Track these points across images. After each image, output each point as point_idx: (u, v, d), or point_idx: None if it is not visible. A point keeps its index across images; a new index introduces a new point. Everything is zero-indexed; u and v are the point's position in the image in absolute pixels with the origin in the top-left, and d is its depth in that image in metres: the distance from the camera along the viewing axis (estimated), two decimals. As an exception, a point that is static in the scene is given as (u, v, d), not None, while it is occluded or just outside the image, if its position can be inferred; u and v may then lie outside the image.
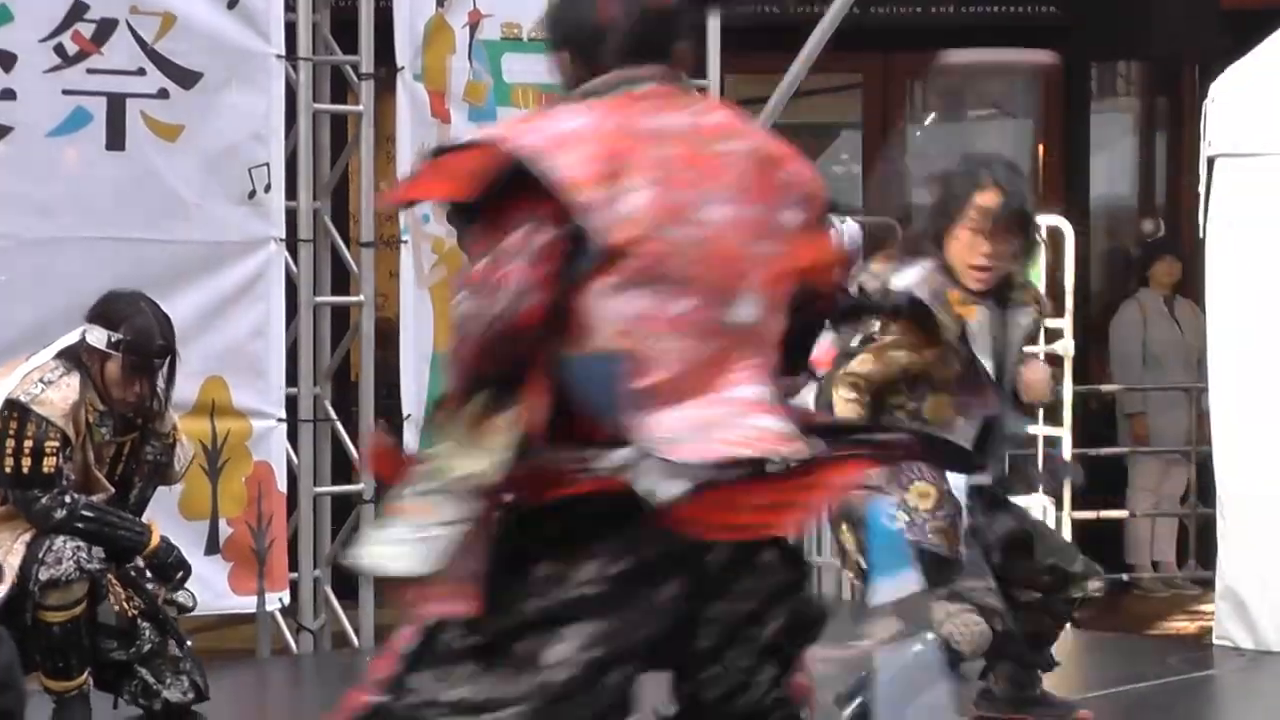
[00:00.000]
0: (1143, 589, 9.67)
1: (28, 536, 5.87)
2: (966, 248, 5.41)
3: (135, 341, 6.02)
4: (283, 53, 7.63)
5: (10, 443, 5.86)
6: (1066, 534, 8.82)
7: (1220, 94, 7.59)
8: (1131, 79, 13.92)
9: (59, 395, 5.92)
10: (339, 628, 7.85)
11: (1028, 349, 5.98)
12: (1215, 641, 7.44)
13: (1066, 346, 8.48)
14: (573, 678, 3.21)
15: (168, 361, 6.13)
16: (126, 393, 6.04)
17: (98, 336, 6.01)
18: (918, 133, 14.22)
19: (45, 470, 5.87)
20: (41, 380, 5.93)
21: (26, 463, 5.86)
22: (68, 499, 5.91)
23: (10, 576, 5.78)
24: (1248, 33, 7.86)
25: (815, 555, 9.08)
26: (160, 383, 6.14)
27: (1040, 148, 12.99)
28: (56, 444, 5.88)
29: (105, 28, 7.21)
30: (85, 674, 6.04)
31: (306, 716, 7.21)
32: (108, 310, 6.09)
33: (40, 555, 5.83)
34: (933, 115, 14.45)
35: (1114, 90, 14.23)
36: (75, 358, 6.01)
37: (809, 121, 12.11)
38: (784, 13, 10.30)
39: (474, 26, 8.09)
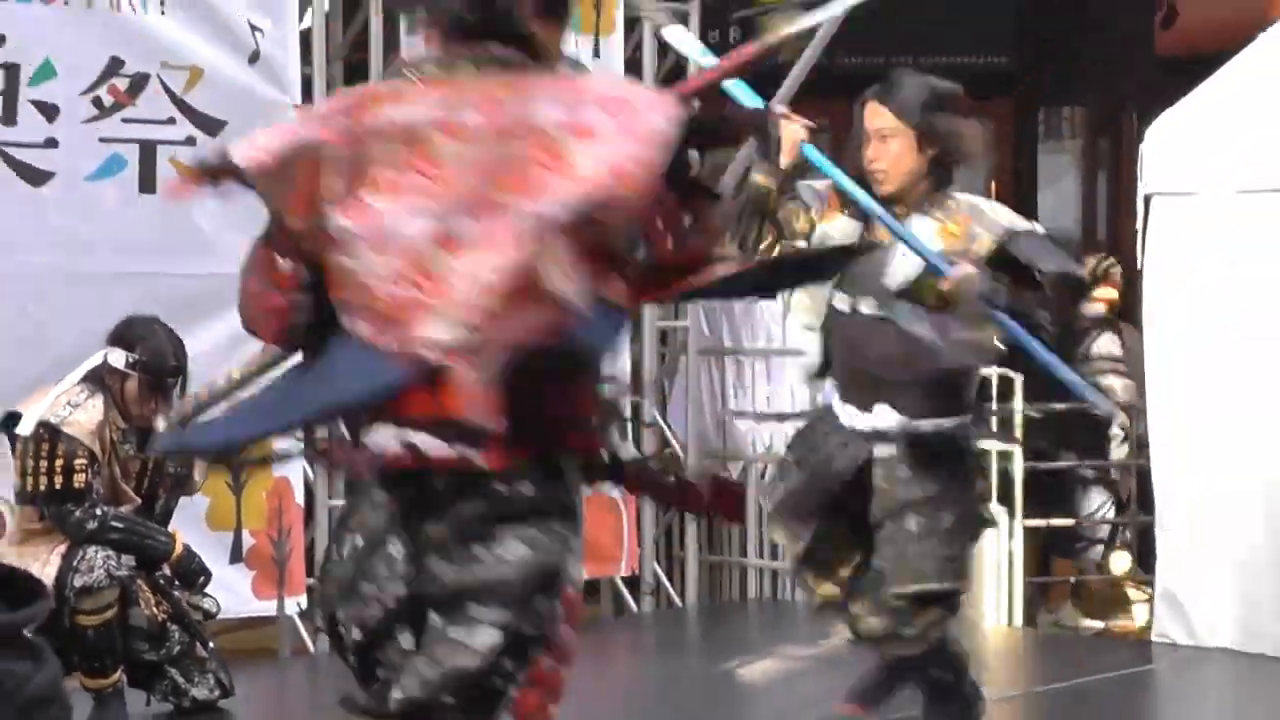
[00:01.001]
0: (1092, 590, 9.63)
1: (63, 548, 5.90)
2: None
3: (150, 362, 6.06)
4: (299, 103, 7.61)
5: (44, 462, 5.89)
6: (1019, 540, 8.84)
7: (1155, 136, 7.60)
8: (1075, 123, 13.98)
9: (85, 416, 5.94)
10: (352, 629, 7.83)
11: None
12: (1154, 639, 7.44)
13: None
14: None
15: (180, 380, 6.14)
16: (144, 409, 6.06)
17: (117, 358, 6.05)
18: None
19: (76, 486, 5.89)
20: (69, 403, 5.95)
21: (59, 480, 5.88)
22: (98, 511, 5.93)
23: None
24: (1182, 79, 7.87)
25: (743, 556, 9.13)
26: (174, 400, 6.13)
27: (993, 185, 13.03)
28: (85, 461, 5.90)
29: (138, 81, 7.21)
30: (119, 672, 6.05)
31: (323, 711, 7.22)
32: (125, 333, 6.11)
33: (74, 564, 5.85)
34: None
35: (1059, 133, 14.29)
36: (98, 380, 6.04)
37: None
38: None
39: (474, 77, 8.09)
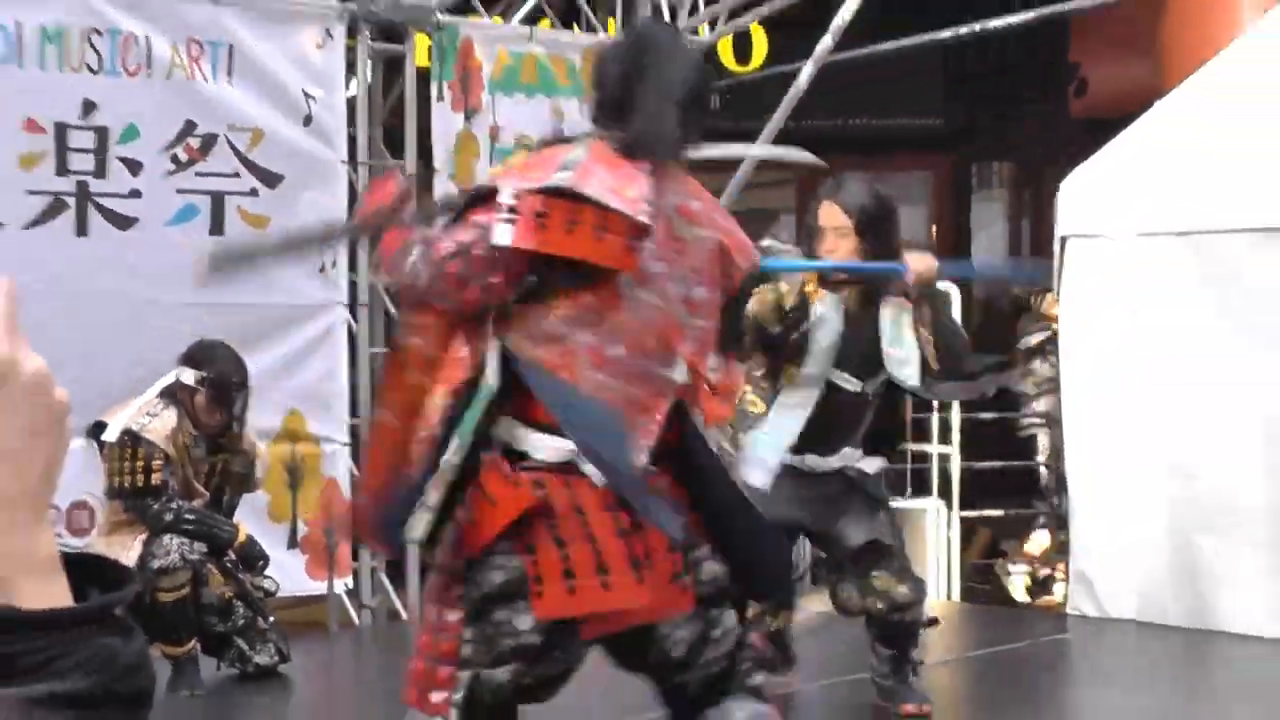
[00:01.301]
0: (1013, 570, 9.68)
1: (143, 537, 5.93)
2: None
3: (217, 379, 6.10)
4: (346, 159, 7.68)
5: (127, 464, 5.93)
6: (955, 529, 8.88)
7: (1069, 187, 7.64)
8: (1003, 176, 14.08)
9: (161, 424, 5.98)
10: (391, 605, 7.85)
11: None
12: (1069, 611, 7.47)
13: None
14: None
15: (242, 395, 6.19)
16: (211, 419, 6.11)
17: (188, 375, 6.08)
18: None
19: (154, 483, 5.93)
20: (147, 413, 5.99)
21: (140, 478, 5.92)
22: (173, 505, 5.96)
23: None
24: (1091, 138, 7.94)
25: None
26: (237, 411, 6.20)
27: (933, 229, 13.11)
28: (161, 462, 5.94)
29: (209, 141, 7.24)
30: (193, 642, 6.08)
31: (367, 676, 7.25)
32: (196, 354, 6.16)
33: (153, 550, 5.89)
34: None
35: (990, 185, 14.39)
36: (172, 394, 6.07)
37: (755, 207, 12.22)
38: (735, 126, 10.37)
39: (493, 137, 8.15)
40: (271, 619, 6.37)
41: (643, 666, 3.50)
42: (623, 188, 3.29)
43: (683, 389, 3.45)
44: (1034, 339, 8.99)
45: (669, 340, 3.42)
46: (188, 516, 5.99)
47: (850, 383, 5.24)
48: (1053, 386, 7.68)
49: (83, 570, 0.92)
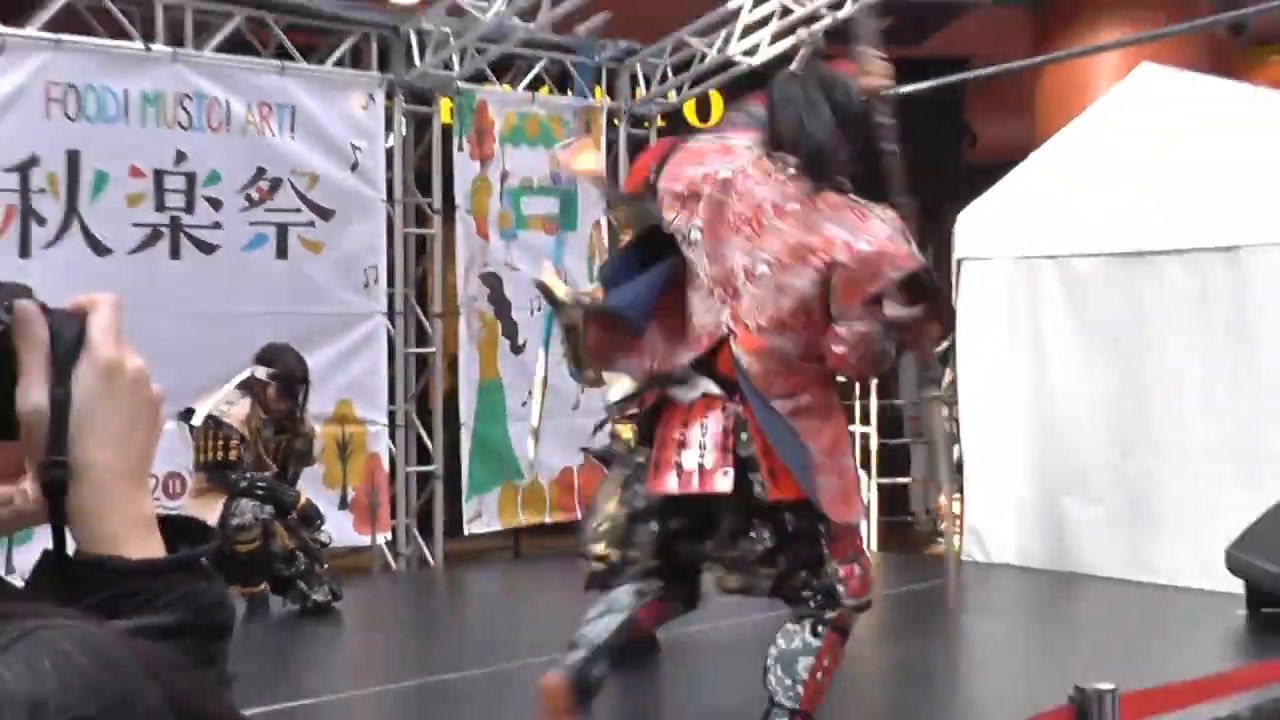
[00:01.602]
0: (919, 527, 9.73)
1: (223, 499, 5.93)
2: None
3: (284, 374, 6.10)
4: (385, 197, 7.67)
5: (210, 442, 5.93)
6: (874, 493, 8.88)
7: (964, 220, 7.67)
8: (912, 211, 14.05)
9: (238, 410, 5.99)
10: (422, 554, 7.83)
11: None
12: (963, 558, 7.50)
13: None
14: None
15: (304, 388, 6.19)
16: (279, 407, 6.11)
17: (261, 372, 6.08)
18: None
19: (231, 458, 5.93)
20: (227, 402, 6.00)
21: (220, 454, 5.92)
22: (247, 475, 5.97)
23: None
24: (980, 180, 7.94)
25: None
26: (300, 400, 6.20)
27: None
28: (238, 441, 5.94)
29: (275, 183, 7.24)
30: (263, 584, 6.08)
31: (402, 611, 7.24)
32: (267, 354, 6.16)
33: (231, 510, 5.89)
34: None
35: (903, 218, 14.36)
36: (248, 386, 6.08)
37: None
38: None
39: (504, 180, 8.14)
40: (326, 565, 6.37)
41: None
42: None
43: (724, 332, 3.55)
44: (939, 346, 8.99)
45: (722, 293, 3.54)
46: (259, 484, 6.00)
47: None
48: (952, 392, 7.65)
49: (174, 528, 0.93)
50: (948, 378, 8.51)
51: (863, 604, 3.66)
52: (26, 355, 0.87)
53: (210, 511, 5.76)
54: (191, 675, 0.77)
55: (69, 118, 6.49)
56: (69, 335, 0.87)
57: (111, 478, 0.87)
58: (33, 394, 0.86)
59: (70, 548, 0.88)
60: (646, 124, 8.97)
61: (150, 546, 0.89)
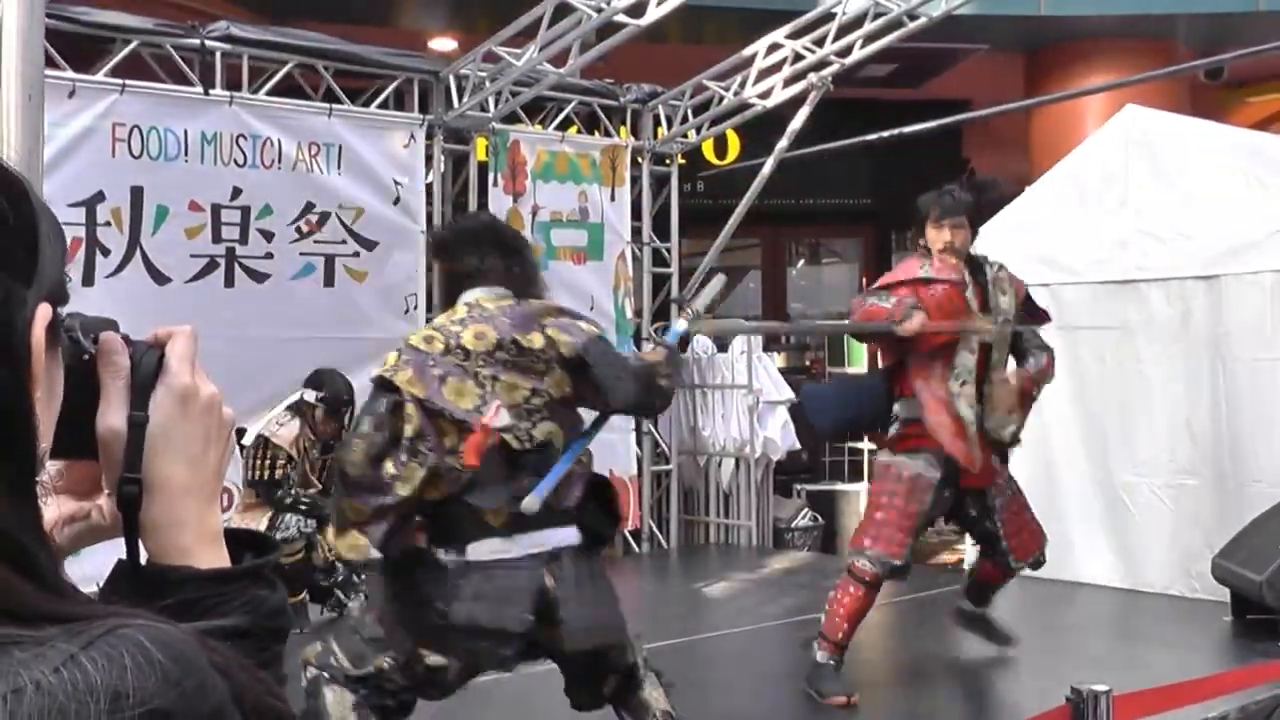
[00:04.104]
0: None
1: (270, 514, 5.94)
2: None
3: (330, 397, 6.08)
4: (424, 229, 7.68)
5: (259, 460, 5.93)
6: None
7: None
8: (913, 240, 14.03)
9: (287, 431, 5.98)
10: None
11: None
12: (965, 568, 7.44)
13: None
14: None
15: (349, 409, 6.17)
16: (326, 428, 6.08)
17: (309, 395, 6.07)
18: (792, 272, 14.29)
19: (279, 476, 5.92)
20: (277, 423, 6.00)
21: (268, 472, 5.91)
22: (293, 492, 5.96)
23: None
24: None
25: (707, 515, 9.11)
26: (346, 422, 6.17)
27: (863, 278, 13.08)
28: (285, 460, 5.93)
29: (323, 217, 7.26)
30: (304, 592, 6.06)
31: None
32: (315, 378, 6.15)
33: (277, 524, 5.87)
34: (800, 262, 14.54)
35: (904, 246, 14.29)
36: (297, 409, 6.07)
37: (730, 265, 12.22)
38: (715, 204, 10.41)
39: (535, 213, 8.17)
40: (363, 575, 6.35)
41: None
42: None
43: None
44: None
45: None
46: (303, 500, 5.98)
47: None
48: None
49: (234, 539, 0.93)
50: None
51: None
52: (109, 382, 0.88)
53: (256, 525, 5.76)
54: (254, 674, 0.78)
55: (133, 156, 6.53)
56: (148, 363, 0.89)
57: (183, 494, 0.88)
58: (111, 416, 0.88)
59: (143, 560, 0.89)
60: (668, 161, 9.01)
61: (218, 556, 0.90)
